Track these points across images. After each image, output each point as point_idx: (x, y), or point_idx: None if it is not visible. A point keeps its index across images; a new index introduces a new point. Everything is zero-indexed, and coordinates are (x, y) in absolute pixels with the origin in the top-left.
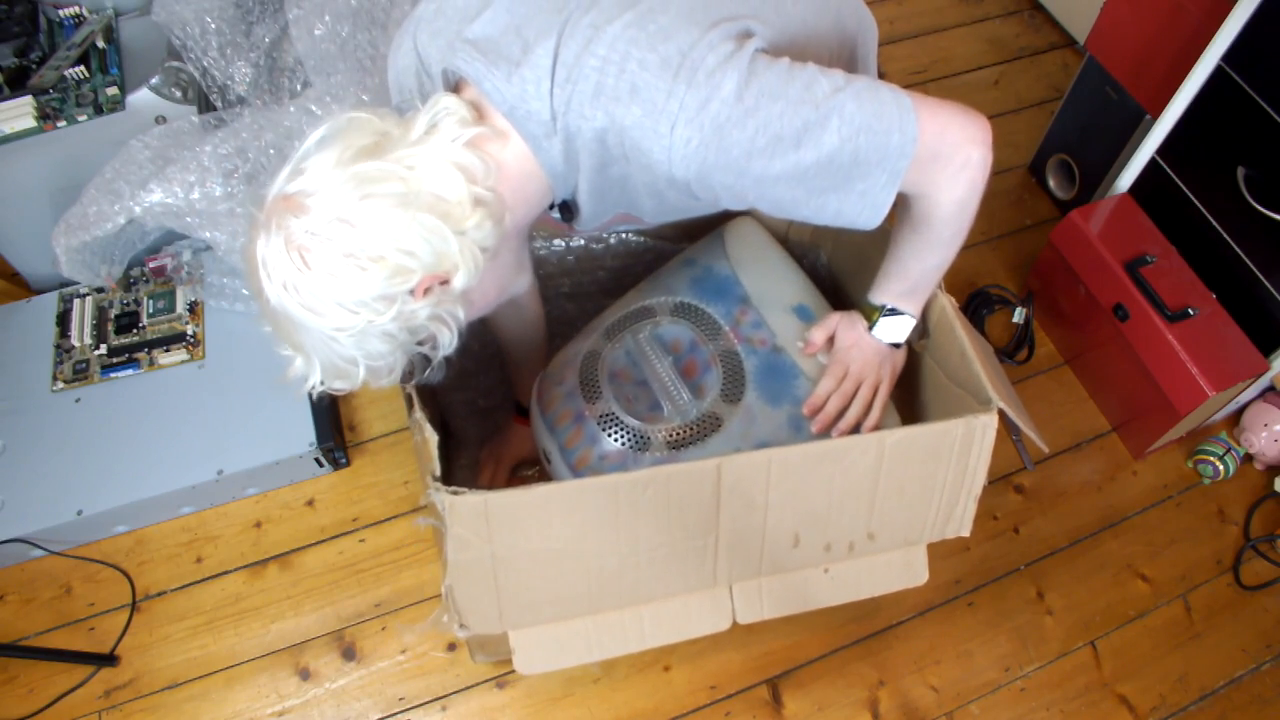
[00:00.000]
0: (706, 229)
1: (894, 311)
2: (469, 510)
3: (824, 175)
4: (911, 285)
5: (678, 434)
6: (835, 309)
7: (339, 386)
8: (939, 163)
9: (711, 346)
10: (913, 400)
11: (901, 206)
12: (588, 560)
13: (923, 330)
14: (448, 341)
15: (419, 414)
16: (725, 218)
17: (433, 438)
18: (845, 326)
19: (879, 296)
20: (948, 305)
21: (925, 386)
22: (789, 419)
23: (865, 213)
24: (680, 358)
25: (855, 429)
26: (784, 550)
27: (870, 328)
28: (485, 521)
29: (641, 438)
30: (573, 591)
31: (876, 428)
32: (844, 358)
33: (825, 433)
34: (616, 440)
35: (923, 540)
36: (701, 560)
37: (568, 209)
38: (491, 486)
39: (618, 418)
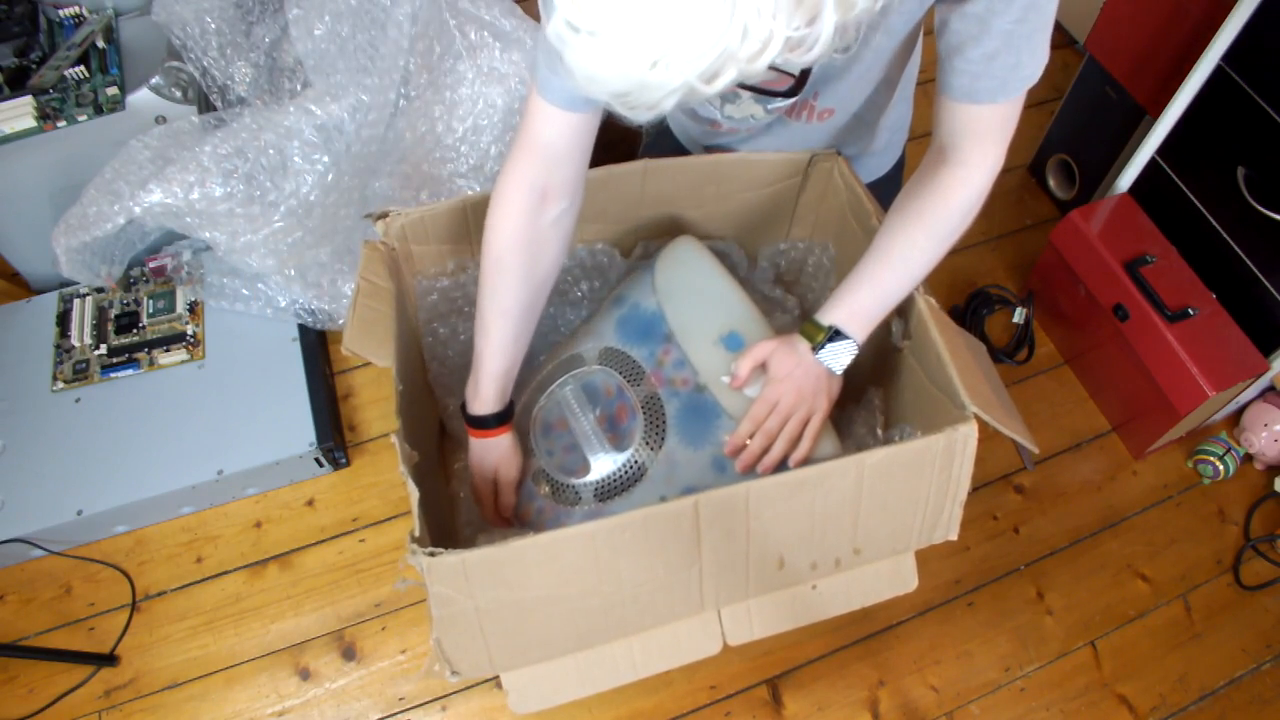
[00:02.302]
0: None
1: (840, 335)
2: (447, 569)
3: (1042, 11)
4: (872, 301)
5: (604, 486)
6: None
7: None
8: (1000, 134)
9: (634, 392)
10: (897, 400)
11: (913, 187)
12: (572, 603)
13: (905, 330)
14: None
15: (403, 467)
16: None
17: (414, 493)
18: (782, 353)
19: (831, 315)
20: (925, 307)
21: (907, 388)
22: (712, 461)
23: (1018, 73)
24: (610, 403)
25: (782, 464)
26: (770, 573)
27: (815, 349)
28: (465, 579)
29: (571, 492)
30: (560, 633)
31: (806, 459)
32: (774, 391)
33: (750, 470)
34: (548, 496)
35: (910, 549)
36: (687, 590)
37: None
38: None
39: (547, 474)
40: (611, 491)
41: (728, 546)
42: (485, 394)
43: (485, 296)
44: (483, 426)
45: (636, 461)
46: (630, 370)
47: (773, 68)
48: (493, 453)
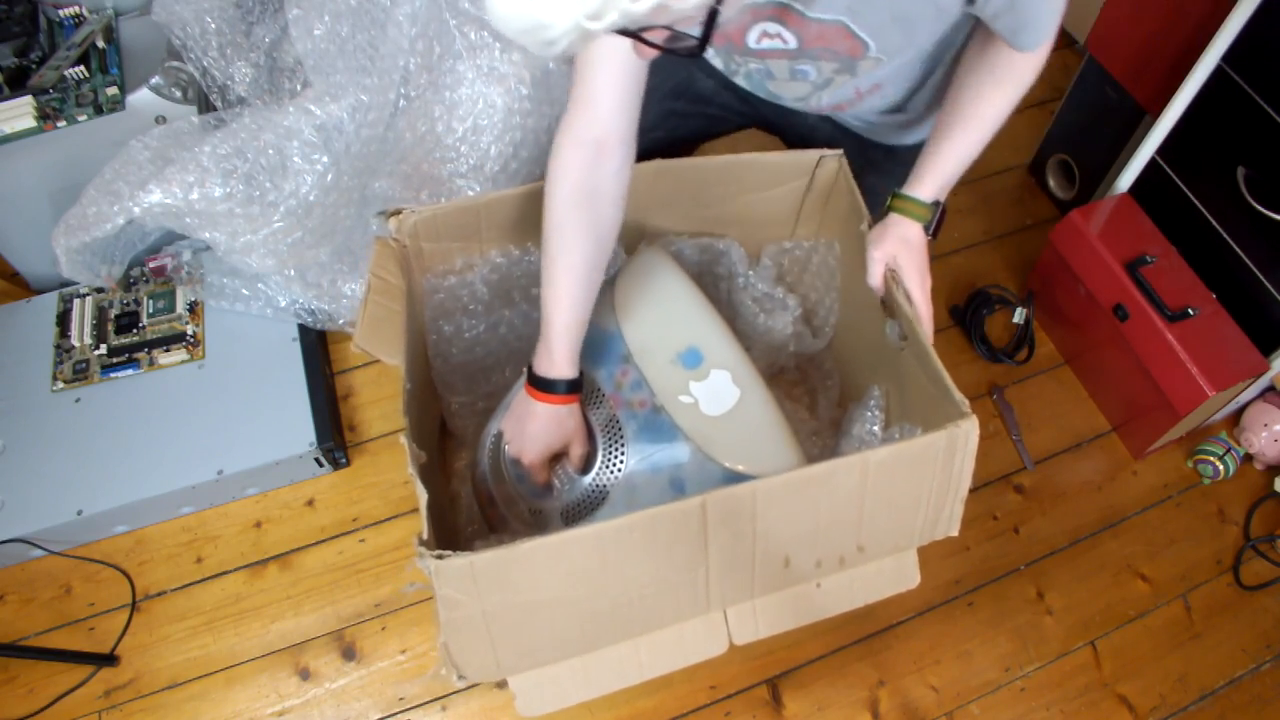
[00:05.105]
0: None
1: (936, 204)
2: (455, 572)
3: None
4: (955, 168)
5: (570, 510)
6: (844, 301)
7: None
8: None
9: (596, 415)
10: (898, 399)
11: (975, 58)
12: (579, 605)
13: (902, 331)
14: None
15: (413, 468)
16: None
17: (423, 495)
18: (902, 249)
19: (926, 190)
20: (909, 313)
21: (909, 387)
22: (670, 482)
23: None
24: None
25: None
26: (775, 572)
27: (929, 227)
28: (473, 581)
29: (541, 516)
30: (567, 635)
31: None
32: (919, 264)
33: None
34: (520, 520)
35: (912, 545)
36: (693, 591)
37: None
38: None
39: (515, 500)
40: (577, 515)
41: (734, 546)
42: (559, 353)
43: (550, 254)
44: (555, 392)
45: (599, 485)
46: (591, 392)
47: (670, 29)
48: (568, 421)
